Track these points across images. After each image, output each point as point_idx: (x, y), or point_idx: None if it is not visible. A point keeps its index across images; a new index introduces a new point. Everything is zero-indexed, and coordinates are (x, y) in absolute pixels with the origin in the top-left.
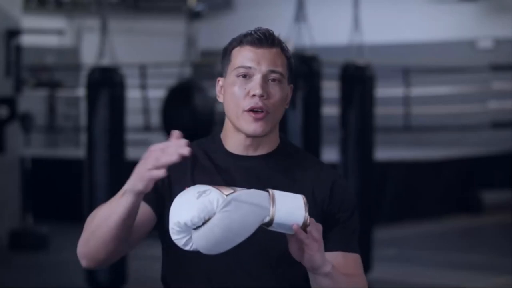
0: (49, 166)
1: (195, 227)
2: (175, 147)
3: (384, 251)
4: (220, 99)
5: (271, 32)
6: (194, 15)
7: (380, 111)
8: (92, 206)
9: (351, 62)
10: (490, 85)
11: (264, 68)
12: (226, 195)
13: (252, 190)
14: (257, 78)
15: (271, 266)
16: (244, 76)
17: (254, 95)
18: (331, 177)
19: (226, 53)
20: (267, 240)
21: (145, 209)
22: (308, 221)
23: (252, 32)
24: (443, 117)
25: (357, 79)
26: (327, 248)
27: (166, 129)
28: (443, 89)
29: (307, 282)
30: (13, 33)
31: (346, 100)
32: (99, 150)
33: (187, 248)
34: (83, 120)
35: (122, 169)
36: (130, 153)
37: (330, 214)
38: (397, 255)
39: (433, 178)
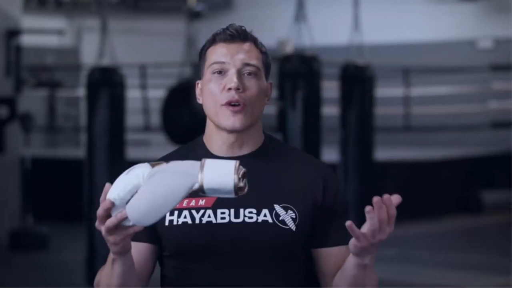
0: (49, 166)
1: (125, 201)
2: (102, 211)
3: (384, 251)
4: (200, 101)
5: (243, 28)
6: (194, 15)
7: (380, 111)
8: (92, 206)
9: (351, 62)
10: (490, 85)
11: (238, 62)
12: (153, 167)
13: (185, 161)
14: (231, 72)
15: (263, 265)
16: (220, 72)
17: (230, 89)
18: (321, 170)
19: (201, 54)
20: (259, 237)
21: (141, 247)
22: (241, 184)
23: (224, 29)
24: (443, 117)
25: (357, 79)
26: (330, 244)
27: (166, 129)
28: (443, 89)
29: (302, 280)
30: (13, 33)
31: (346, 100)
32: (99, 150)
33: (127, 223)
34: (83, 120)
35: (122, 169)
36: (130, 153)
37: (326, 207)
38: (397, 255)
39: (433, 178)
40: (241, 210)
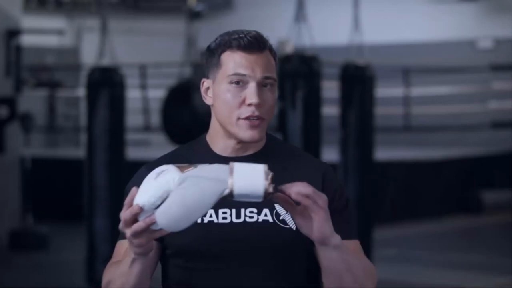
0: (49, 166)
1: (154, 207)
2: (129, 215)
3: (384, 251)
4: (208, 101)
5: (260, 34)
6: (194, 15)
7: (380, 111)
8: (92, 206)
9: (351, 62)
10: (490, 85)
11: (258, 75)
12: (183, 172)
13: (213, 165)
14: (252, 85)
15: (264, 264)
16: (238, 82)
17: (250, 104)
18: (320, 168)
19: (213, 55)
20: (260, 237)
21: None
22: (271, 189)
23: (242, 35)
24: (443, 117)
25: (357, 79)
26: None
27: (166, 129)
28: (443, 89)
29: (304, 278)
30: (13, 33)
31: (346, 100)
32: (99, 150)
33: (153, 227)
34: (83, 120)
35: (122, 169)
36: (130, 153)
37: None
38: (397, 255)
39: (433, 178)
40: (242, 210)
